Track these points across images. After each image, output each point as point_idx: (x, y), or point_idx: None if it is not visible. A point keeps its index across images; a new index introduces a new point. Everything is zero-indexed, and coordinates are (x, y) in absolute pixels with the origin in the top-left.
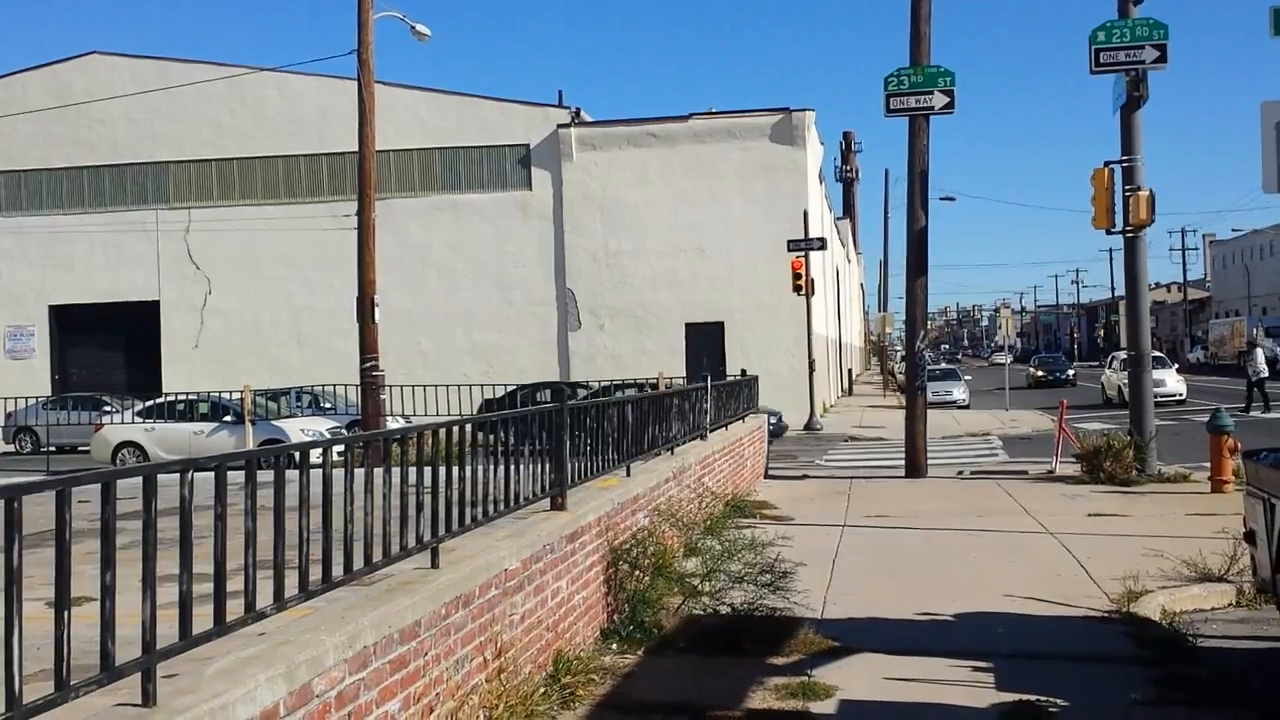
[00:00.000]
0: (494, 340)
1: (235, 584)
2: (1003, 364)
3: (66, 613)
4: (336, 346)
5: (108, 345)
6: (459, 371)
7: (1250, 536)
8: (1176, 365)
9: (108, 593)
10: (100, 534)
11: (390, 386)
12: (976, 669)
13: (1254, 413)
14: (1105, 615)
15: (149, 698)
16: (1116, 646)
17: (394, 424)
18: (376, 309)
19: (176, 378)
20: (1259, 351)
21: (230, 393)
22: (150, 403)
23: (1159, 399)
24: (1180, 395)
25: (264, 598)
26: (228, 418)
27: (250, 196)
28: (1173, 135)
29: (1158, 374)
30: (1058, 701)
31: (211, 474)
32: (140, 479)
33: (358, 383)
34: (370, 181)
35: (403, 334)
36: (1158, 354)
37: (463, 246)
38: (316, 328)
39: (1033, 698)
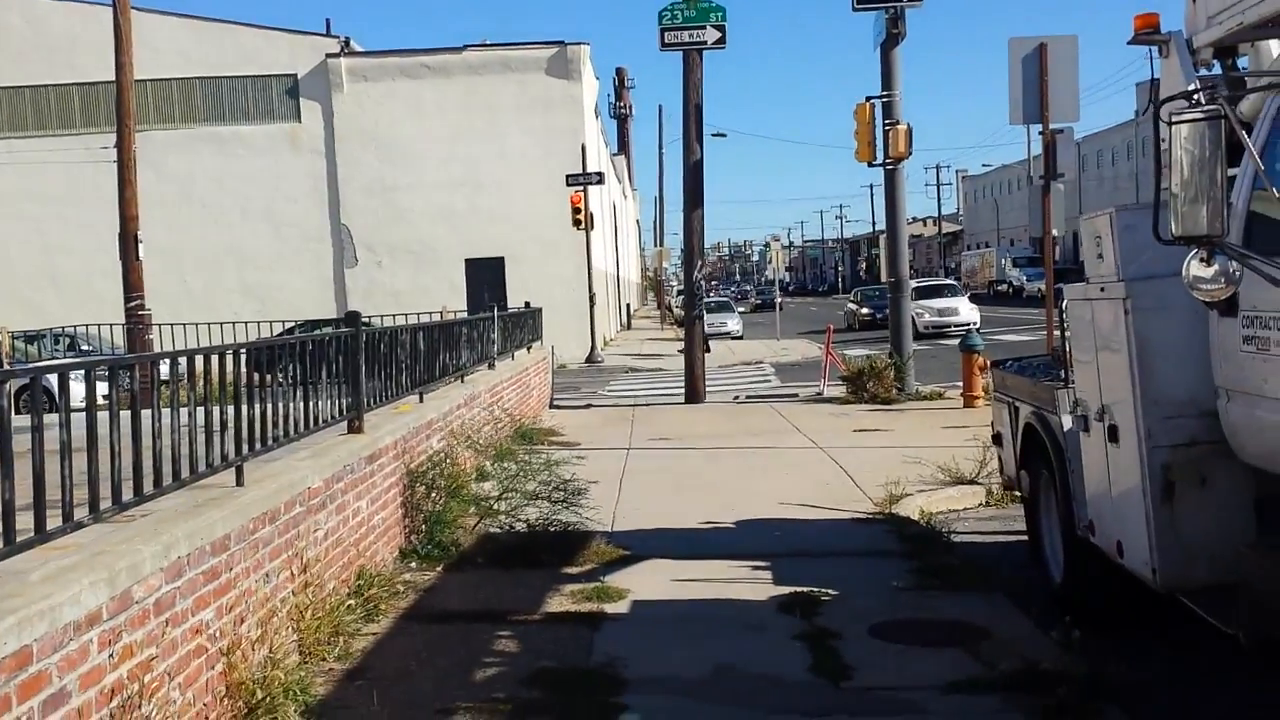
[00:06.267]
0: (266, 278)
1: (53, 507)
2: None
3: None
4: (97, 287)
5: None
6: (230, 310)
7: (998, 439)
8: (968, 294)
9: None
10: None
11: (159, 325)
12: (756, 568)
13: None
14: (870, 517)
15: None
16: (880, 543)
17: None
18: (140, 245)
19: None
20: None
21: None
22: None
23: (954, 328)
24: (974, 323)
25: (80, 511)
26: None
27: None
28: (933, 74)
29: (951, 302)
30: (829, 591)
31: None
32: None
33: (123, 323)
34: (129, 112)
35: (168, 273)
36: (951, 282)
37: (229, 181)
38: (74, 268)
39: (807, 589)
